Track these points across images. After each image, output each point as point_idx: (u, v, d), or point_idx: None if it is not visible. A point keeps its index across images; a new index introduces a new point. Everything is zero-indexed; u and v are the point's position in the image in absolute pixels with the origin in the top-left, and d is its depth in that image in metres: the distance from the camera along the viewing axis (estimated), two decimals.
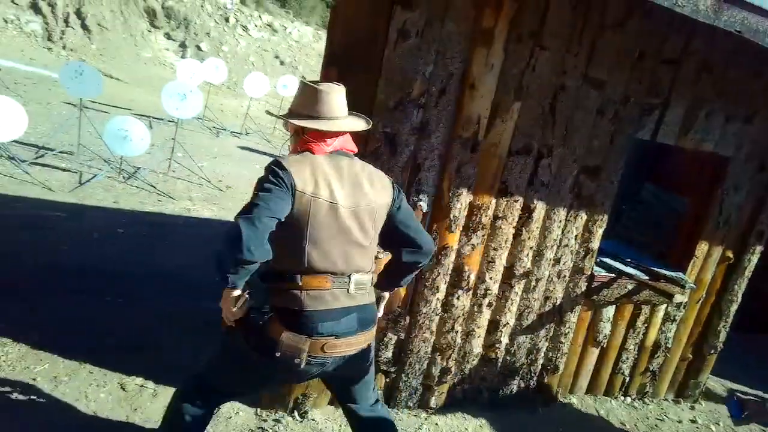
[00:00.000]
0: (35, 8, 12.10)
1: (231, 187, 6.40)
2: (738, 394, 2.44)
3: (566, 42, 2.22)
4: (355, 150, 1.82)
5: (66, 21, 12.28)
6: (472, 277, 2.46)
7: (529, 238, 2.48)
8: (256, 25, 15.28)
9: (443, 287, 2.43)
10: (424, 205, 2.25)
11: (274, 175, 1.62)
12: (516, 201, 2.40)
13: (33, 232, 4.02)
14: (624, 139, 2.48)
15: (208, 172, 6.61)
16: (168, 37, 14.04)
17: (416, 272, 1.96)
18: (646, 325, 3.00)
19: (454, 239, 2.35)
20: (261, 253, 1.52)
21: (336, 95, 1.77)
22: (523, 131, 2.29)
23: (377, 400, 2.04)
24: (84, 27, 12.38)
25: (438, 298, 2.44)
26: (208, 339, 2.56)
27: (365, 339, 1.82)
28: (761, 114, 2.71)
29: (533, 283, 2.60)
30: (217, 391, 1.95)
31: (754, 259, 3.06)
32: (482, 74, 2.12)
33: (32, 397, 2.37)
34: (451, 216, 2.29)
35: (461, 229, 2.35)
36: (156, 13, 13.85)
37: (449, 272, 2.41)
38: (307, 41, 16.31)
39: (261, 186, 1.61)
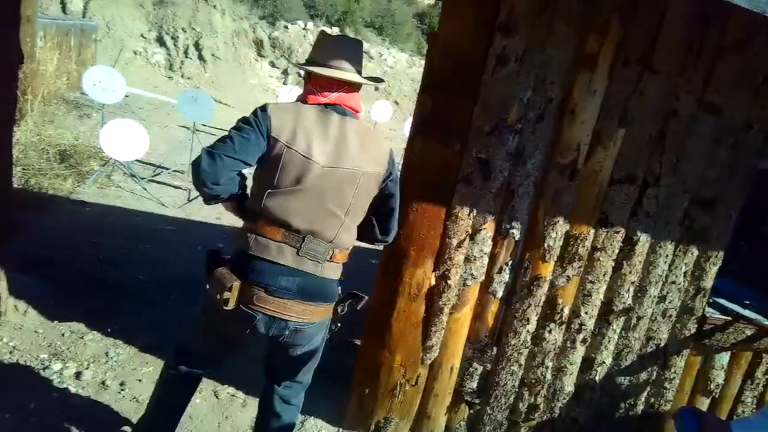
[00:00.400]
0: (161, 41, 13.46)
1: None
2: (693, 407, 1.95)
3: (679, 65, 2.09)
4: (358, 110, 1.71)
5: (186, 52, 13.53)
6: (566, 311, 2.34)
7: (630, 273, 2.32)
8: None
9: (534, 319, 2.33)
10: (516, 232, 2.19)
11: (254, 115, 1.60)
12: (617, 232, 2.26)
13: (147, 243, 4.40)
14: (745, 169, 2.26)
15: None
16: (272, 65, 14.98)
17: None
18: (767, 377, 2.67)
19: (547, 270, 2.25)
20: (222, 188, 1.55)
21: (346, 45, 1.70)
22: (628, 159, 2.17)
23: (292, 399, 1.91)
24: (200, 57, 13.56)
25: (528, 330, 2.34)
26: None
27: (305, 312, 1.67)
28: None
29: (634, 321, 2.41)
30: (186, 352, 1.91)
31: None
32: (584, 100, 2.05)
33: (137, 396, 2.55)
34: (546, 245, 2.20)
35: (555, 259, 2.25)
36: (263, 44, 14.85)
37: (541, 304, 2.31)
38: (401, 67, 16.68)
39: (237, 124, 1.60)
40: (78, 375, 2.64)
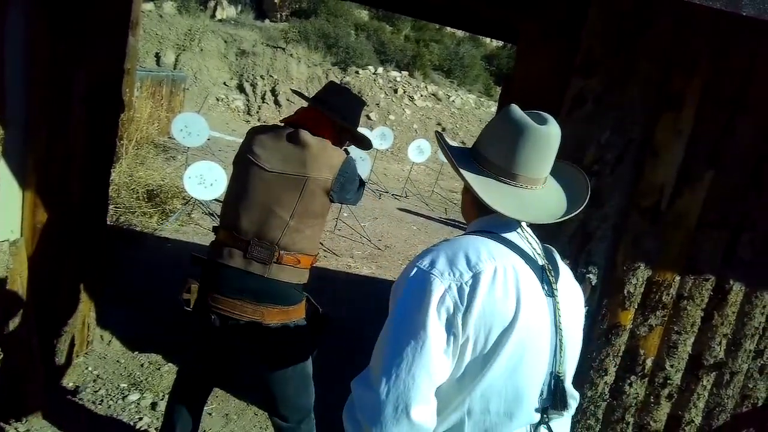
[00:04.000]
0: (241, 88, 14.40)
1: (389, 246, 6.66)
2: None
3: None
4: (318, 131, 1.87)
5: (263, 98, 14.37)
6: (649, 363, 2.18)
7: (722, 324, 2.14)
8: (421, 95, 16.23)
9: (612, 370, 2.18)
10: (593, 277, 2.09)
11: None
12: (706, 280, 2.10)
13: None
14: None
15: (369, 231, 6.99)
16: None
17: None
18: None
19: (627, 318, 2.12)
20: None
21: (337, 89, 2.10)
22: (718, 202, 2.03)
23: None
24: (276, 102, 14.34)
25: (606, 382, 2.19)
26: None
27: (256, 312, 1.78)
28: None
29: (727, 377, 2.21)
30: (181, 370, 2.13)
31: None
32: (668, 140, 1.96)
33: (206, 429, 2.61)
34: (626, 292, 2.09)
35: (636, 307, 2.12)
36: None
37: (620, 354, 2.17)
38: (469, 108, 16.80)
39: None
40: (154, 405, 2.75)
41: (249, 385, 2.93)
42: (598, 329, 2.15)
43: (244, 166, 1.82)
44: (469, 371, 0.97)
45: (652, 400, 2.22)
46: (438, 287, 0.95)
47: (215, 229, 1.93)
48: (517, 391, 1.00)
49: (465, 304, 0.94)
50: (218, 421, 2.73)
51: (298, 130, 1.83)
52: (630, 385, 2.19)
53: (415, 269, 0.99)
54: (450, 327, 0.94)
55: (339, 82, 15.43)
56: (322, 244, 6.05)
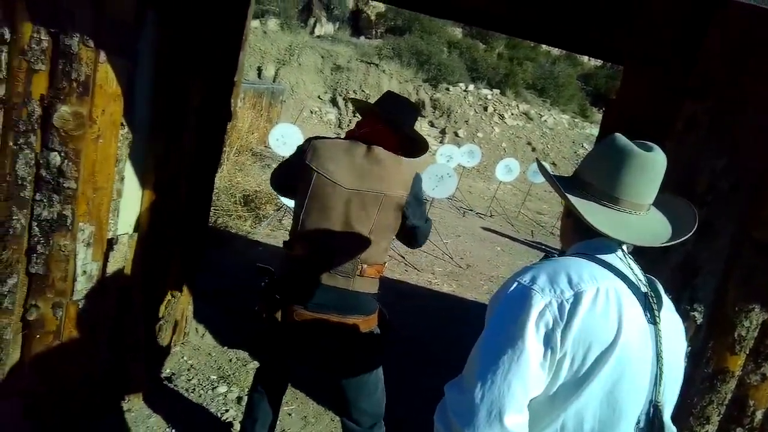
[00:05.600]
0: (333, 102, 14.95)
1: (471, 265, 6.57)
2: None
3: None
4: (386, 146, 1.90)
5: (354, 112, 14.80)
6: (759, 415, 1.97)
7: None
8: (512, 114, 15.96)
9: (716, 419, 2.00)
10: (698, 316, 1.94)
11: (297, 148, 1.98)
12: None
13: None
14: None
15: (451, 248, 6.93)
16: (431, 124, 15.65)
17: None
18: None
19: (736, 363, 1.94)
20: (280, 192, 2.30)
21: (400, 103, 2.09)
22: None
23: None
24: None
25: (707, 431, 2.01)
26: None
27: (342, 322, 1.86)
28: None
29: None
30: (260, 369, 2.20)
31: None
32: None
33: (286, 429, 2.70)
34: (736, 334, 1.91)
35: (748, 352, 1.94)
36: (424, 104, 15.66)
37: (725, 402, 1.98)
38: (562, 129, 16.28)
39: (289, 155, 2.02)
40: (239, 399, 2.89)
41: (328, 389, 3.00)
42: (702, 373, 1.98)
43: (317, 183, 1.85)
44: (564, 388, 0.98)
45: None
46: (538, 302, 0.96)
47: (288, 244, 1.97)
48: (613, 415, 0.99)
49: (565, 320, 0.95)
50: (297, 423, 2.81)
51: (372, 147, 1.90)
52: None
53: (515, 284, 1.01)
54: (548, 341, 0.95)
55: (429, 98, 15.59)
56: (403, 257, 6.10)
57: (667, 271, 1.92)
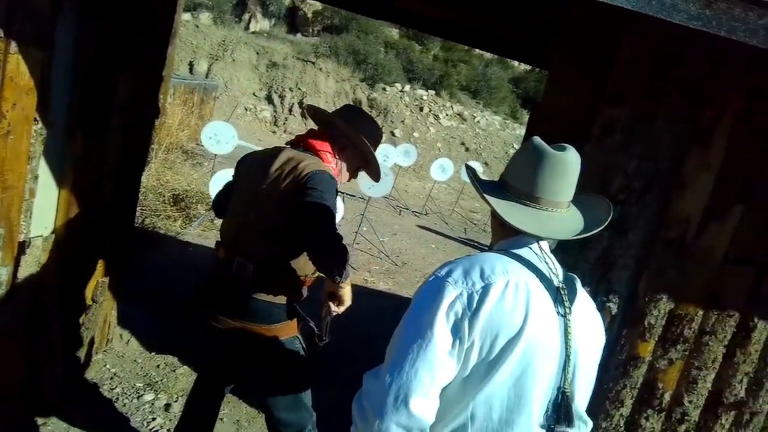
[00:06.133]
0: (269, 99, 14.67)
1: (407, 263, 6.66)
2: None
3: None
4: (319, 149, 1.89)
5: (290, 110, 14.61)
6: (667, 397, 2.14)
7: (744, 362, 2.10)
8: (447, 114, 16.30)
9: (629, 402, 2.15)
10: (613, 306, 2.07)
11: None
12: (730, 316, 2.07)
13: None
14: None
15: (387, 247, 7.00)
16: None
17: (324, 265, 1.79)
18: None
19: (646, 350, 2.09)
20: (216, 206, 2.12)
21: (351, 109, 2.10)
22: (746, 238, 2.01)
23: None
24: (303, 115, 14.56)
25: (621, 414, 2.16)
26: None
27: (240, 328, 1.84)
28: None
29: (746, 417, 2.16)
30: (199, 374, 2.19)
31: None
32: (696, 173, 1.95)
33: None
34: (646, 323, 2.06)
35: (657, 339, 2.10)
36: (361, 103, 15.69)
37: (638, 386, 2.13)
38: (494, 130, 16.81)
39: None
40: (167, 407, 2.78)
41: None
42: (616, 359, 2.12)
43: (238, 186, 1.99)
44: (473, 376, 1.03)
45: None
46: (450, 293, 1.02)
47: (216, 247, 1.99)
48: (520, 401, 1.05)
49: (473, 310, 1.01)
50: (229, 427, 2.75)
51: (287, 149, 1.90)
52: (646, 419, 2.15)
53: (433, 277, 1.08)
54: (457, 331, 1.01)
55: (366, 97, 15.62)
56: None
57: (586, 266, 2.04)
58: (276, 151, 1.89)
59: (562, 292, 1.12)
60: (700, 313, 2.07)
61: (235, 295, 1.83)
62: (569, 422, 1.09)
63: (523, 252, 1.14)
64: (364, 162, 2.10)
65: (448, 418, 1.05)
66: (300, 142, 1.95)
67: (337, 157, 1.99)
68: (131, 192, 2.99)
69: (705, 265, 2.03)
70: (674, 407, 2.16)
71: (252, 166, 1.91)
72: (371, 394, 1.01)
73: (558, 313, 1.10)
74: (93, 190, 2.48)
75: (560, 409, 1.08)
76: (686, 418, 2.15)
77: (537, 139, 1.16)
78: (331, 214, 1.75)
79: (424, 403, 0.98)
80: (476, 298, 1.01)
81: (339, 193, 1.96)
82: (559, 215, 1.17)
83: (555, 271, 1.17)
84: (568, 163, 1.14)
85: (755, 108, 1.93)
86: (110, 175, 2.59)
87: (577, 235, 1.16)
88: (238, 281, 1.82)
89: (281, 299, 1.87)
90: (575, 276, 1.23)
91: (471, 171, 1.28)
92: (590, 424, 1.21)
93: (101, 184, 2.55)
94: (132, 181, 2.96)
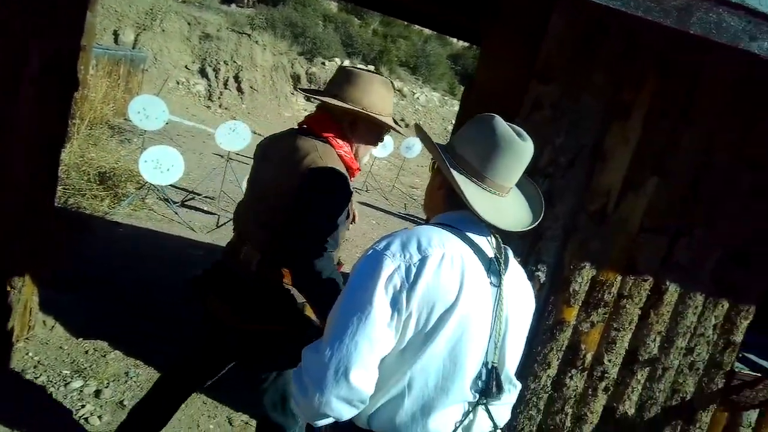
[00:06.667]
0: (203, 73, 14.04)
1: (347, 239, 6.67)
2: None
3: (717, 118, 2.09)
4: (320, 131, 1.70)
5: (225, 84, 14.06)
6: (589, 357, 2.29)
7: (657, 322, 2.28)
8: None
9: (555, 364, 2.28)
10: (542, 275, 2.18)
11: None
12: (645, 280, 2.23)
13: (175, 266, 4.50)
14: None
15: None
16: (307, 99, 15.42)
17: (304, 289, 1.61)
18: None
19: (571, 314, 2.22)
20: None
21: (346, 75, 1.79)
22: (659, 208, 2.16)
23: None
24: (239, 89, 14.07)
25: (549, 375, 2.29)
26: None
27: (233, 317, 1.71)
28: None
29: (659, 372, 2.35)
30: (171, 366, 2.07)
31: None
32: (616, 148, 2.07)
33: None
34: (571, 290, 2.19)
35: (580, 304, 2.23)
36: (300, 78, 15.36)
37: (563, 349, 2.27)
38: (433, 106, 16.97)
39: None
40: (98, 393, 2.68)
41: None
42: (544, 325, 2.24)
43: (251, 174, 1.86)
44: (410, 346, 1.05)
45: (590, 393, 2.34)
46: (388, 266, 1.02)
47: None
48: (455, 369, 1.08)
49: (410, 282, 1.02)
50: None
51: (295, 136, 1.71)
52: (571, 378, 2.30)
53: (372, 251, 1.08)
54: (395, 303, 1.01)
55: (305, 72, 15.25)
56: None
57: (516, 237, 2.12)
58: (286, 138, 1.74)
59: (497, 263, 1.16)
60: (619, 278, 2.22)
61: (239, 285, 1.72)
62: (499, 387, 1.14)
63: (461, 225, 1.16)
64: (381, 127, 1.83)
65: (386, 388, 1.08)
66: (306, 124, 1.76)
67: (350, 136, 1.76)
68: (49, 170, 2.80)
69: (623, 234, 2.17)
70: (595, 366, 2.31)
71: (264, 151, 1.78)
72: (311, 369, 1.01)
73: (491, 283, 1.12)
74: (4, 168, 2.30)
75: (491, 375, 1.13)
76: (606, 375, 2.32)
77: (501, 122, 1.16)
78: (315, 227, 1.56)
79: (364, 375, 0.99)
80: (414, 270, 1.02)
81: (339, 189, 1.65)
82: (508, 201, 1.20)
83: (491, 243, 1.20)
84: (527, 152, 1.17)
85: (668, 85, 2.05)
86: (22, 152, 2.41)
87: (527, 227, 1.21)
88: (244, 270, 1.71)
89: (284, 297, 1.73)
90: (507, 247, 1.27)
91: (425, 135, 1.24)
92: (519, 386, 1.28)
93: (12, 161, 2.37)
94: (49, 158, 2.77)
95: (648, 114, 2.06)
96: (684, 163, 2.13)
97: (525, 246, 2.16)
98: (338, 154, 1.70)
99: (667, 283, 2.24)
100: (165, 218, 5.65)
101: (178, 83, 13.45)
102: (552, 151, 2.07)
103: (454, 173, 1.13)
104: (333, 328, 1.02)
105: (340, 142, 1.72)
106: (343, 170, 1.67)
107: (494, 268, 1.15)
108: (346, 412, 1.01)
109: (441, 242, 1.08)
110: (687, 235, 2.20)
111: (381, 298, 1.01)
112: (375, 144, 1.88)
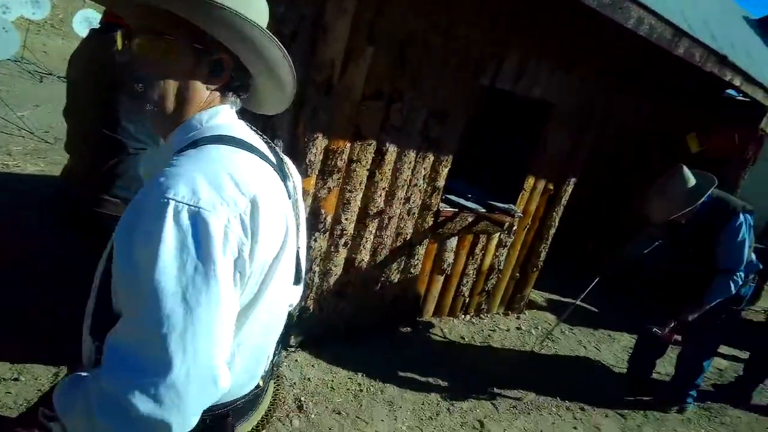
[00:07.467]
0: None
1: (61, 138, 5.69)
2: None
3: None
4: None
5: None
6: (329, 219, 2.55)
7: (381, 180, 2.62)
8: None
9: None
10: (278, 149, 2.25)
11: None
12: (369, 144, 2.50)
13: None
14: (468, 85, 2.68)
15: (31, 122, 5.80)
16: None
17: None
18: (483, 251, 3.38)
19: (310, 184, 2.39)
20: None
21: None
22: (376, 76, 2.36)
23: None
24: None
25: None
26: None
27: None
28: (580, 66, 3.11)
29: (386, 222, 2.76)
30: None
31: (569, 190, 3.58)
32: (336, 18, 2.13)
33: None
34: (307, 160, 2.33)
35: (317, 173, 2.40)
36: None
37: (306, 216, 2.47)
38: None
39: None
40: None
41: None
42: None
43: None
44: (245, 303, 0.85)
45: (332, 250, 2.64)
46: (216, 226, 0.73)
47: None
48: (279, 305, 0.95)
49: (250, 237, 0.78)
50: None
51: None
52: (315, 240, 2.54)
53: (172, 204, 0.71)
54: (237, 270, 0.78)
55: None
56: None
57: (248, 115, 2.12)
58: None
59: (283, 165, 0.97)
60: (348, 145, 2.44)
61: None
62: (299, 280, 1.02)
63: (241, 134, 0.89)
64: None
65: None
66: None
67: None
68: None
69: (348, 103, 2.35)
70: (335, 226, 2.59)
71: None
72: (156, 397, 0.69)
73: (289, 195, 0.93)
74: None
75: (296, 273, 0.99)
76: (344, 232, 2.63)
77: None
78: None
79: (227, 374, 0.76)
80: (248, 221, 0.76)
81: None
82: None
83: (264, 140, 0.98)
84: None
85: None
86: None
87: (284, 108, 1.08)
88: None
89: None
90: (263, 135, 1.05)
91: None
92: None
93: None
94: None
95: None
96: (392, 33, 2.34)
97: (259, 124, 2.17)
98: None
99: (387, 144, 2.55)
100: None
101: None
102: (273, 23, 2.04)
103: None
104: (170, 332, 0.70)
105: None
106: None
107: (284, 173, 0.94)
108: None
109: (252, 170, 0.83)
110: (398, 100, 2.50)
111: (225, 271, 0.74)
112: None
